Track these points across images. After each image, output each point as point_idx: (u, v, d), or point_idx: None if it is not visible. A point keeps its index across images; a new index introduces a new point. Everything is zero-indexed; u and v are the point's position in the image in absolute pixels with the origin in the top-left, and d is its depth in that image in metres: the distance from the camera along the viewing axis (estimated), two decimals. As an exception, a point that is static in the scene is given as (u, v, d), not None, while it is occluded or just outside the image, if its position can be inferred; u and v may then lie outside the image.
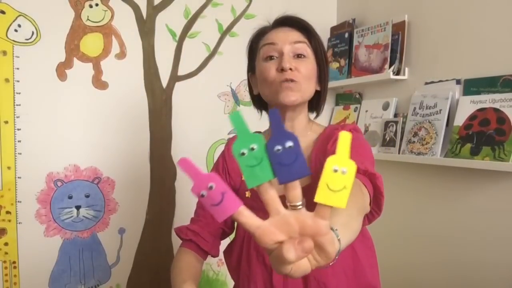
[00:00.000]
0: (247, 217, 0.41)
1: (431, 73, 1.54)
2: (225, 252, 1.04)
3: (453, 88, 1.44)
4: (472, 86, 1.38)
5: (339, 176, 0.39)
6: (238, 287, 0.99)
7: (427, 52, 1.56)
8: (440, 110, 1.45)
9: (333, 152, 0.40)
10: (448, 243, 1.48)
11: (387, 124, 1.67)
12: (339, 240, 0.47)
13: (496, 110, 1.28)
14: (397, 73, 1.65)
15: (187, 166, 0.41)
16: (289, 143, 0.39)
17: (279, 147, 0.39)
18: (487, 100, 1.31)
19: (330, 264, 0.44)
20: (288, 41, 0.87)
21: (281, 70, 0.85)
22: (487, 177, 1.32)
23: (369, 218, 0.79)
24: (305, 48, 0.89)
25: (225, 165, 0.98)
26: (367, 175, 0.76)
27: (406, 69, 1.64)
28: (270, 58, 0.88)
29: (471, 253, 1.39)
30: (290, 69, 0.85)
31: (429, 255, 1.55)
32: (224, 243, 1.05)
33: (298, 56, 0.88)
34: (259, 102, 0.99)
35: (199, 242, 0.95)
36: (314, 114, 1.00)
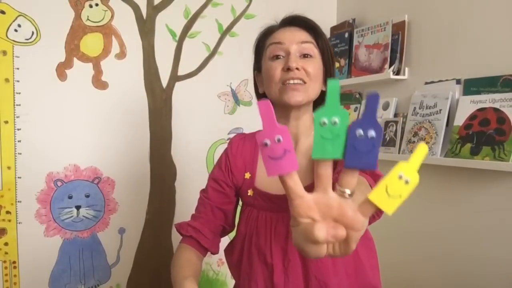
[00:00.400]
0: (295, 183, 0.41)
1: (431, 73, 1.54)
2: (226, 250, 1.04)
3: (453, 88, 1.44)
4: (472, 86, 1.38)
5: (400, 184, 0.39)
6: (238, 286, 0.98)
7: (427, 52, 1.56)
8: (440, 110, 1.45)
9: None
10: (448, 242, 1.48)
11: (387, 124, 1.67)
12: None
13: (496, 110, 1.28)
14: (397, 73, 1.65)
15: (266, 110, 0.40)
16: (372, 133, 0.38)
17: (361, 132, 0.39)
18: (487, 100, 1.31)
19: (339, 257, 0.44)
20: (295, 41, 0.87)
21: (287, 69, 0.85)
22: (487, 177, 1.32)
23: (370, 219, 0.79)
24: (312, 48, 0.88)
25: (228, 163, 0.98)
26: (373, 177, 0.76)
27: (406, 69, 1.64)
28: (277, 57, 0.88)
29: (471, 252, 1.39)
30: (297, 68, 0.84)
31: (429, 254, 1.55)
32: (224, 241, 1.05)
33: (305, 56, 0.88)
34: None
35: (199, 239, 0.95)
36: None
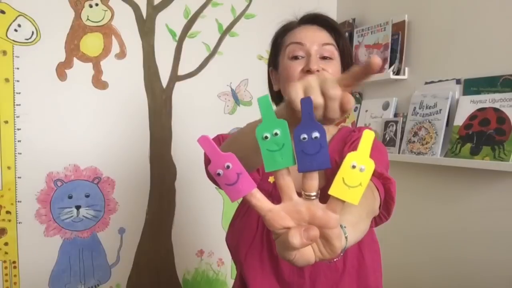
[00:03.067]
0: (259, 200, 0.42)
1: (431, 73, 1.54)
2: (230, 239, 0.97)
3: (453, 88, 1.44)
4: (472, 86, 1.38)
5: (356, 173, 0.39)
6: (242, 273, 0.94)
7: (427, 52, 1.56)
8: (440, 110, 1.45)
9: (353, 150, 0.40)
10: (448, 242, 1.48)
11: (387, 124, 1.67)
12: (346, 237, 0.47)
13: (496, 110, 1.28)
14: (397, 73, 1.65)
15: (207, 144, 0.41)
16: (316, 134, 0.40)
17: (305, 136, 0.40)
18: (487, 100, 1.31)
19: (334, 260, 0.44)
20: (317, 42, 0.86)
21: (307, 71, 0.84)
22: (487, 177, 1.32)
23: (377, 221, 0.78)
24: (333, 51, 0.87)
25: None
26: (381, 179, 0.75)
27: (406, 69, 1.64)
28: (296, 57, 0.87)
29: (471, 252, 1.39)
30: (317, 70, 0.83)
31: (428, 254, 1.55)
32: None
33: (325, 58, 0.86)
34: (279, 99, 0.97)
35: None
36: None
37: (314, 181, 0.41)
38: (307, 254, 0.42)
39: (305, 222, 0.41)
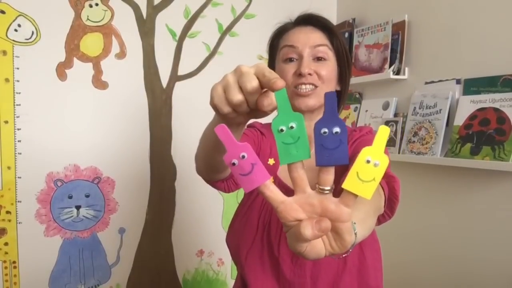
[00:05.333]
0: (272, 192, 0.42)
1: (431, 73, 1.54)
2: (231, 239, 0.98)
3: (453, 88, 1.44)
4: (472, 86, 1.38)
5: (370, 168, 0.39)
6: (244, 275, 0.94)
7: (427, 52, 1.56)
8: (440, 109, 1.45)
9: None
10: (448, 242, 1.48)
11: (387, 123, 1.67)
12: (355, 233, 0.48)
13: (496, 109, 1.28)
14: (397, 72, 1.65)
15: (224, 133, 0.41)
16: (337, 129, 0.40)
17: (326, 130, 0.40)
18: (487, 100, 1.31)
19: (343, 255, 0.44)
20: (309, 44, 0.86)
21: (299, 74, 0.84)
22: (487, 177, 1.32)
23: (380, 220, 0.78)
24: (326, 51, 0.87)
25: (259, 134, 0.93)
26: (385, 177, 0.75)
27: (406, 69, 1.64)
28: (290, 60, 0.87)
29: (471, 251, 1.39)
30: (309, 73, 0.84)
31: (429, 253, 1.55)
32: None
33: (318, 59, 0.87)
34: None
35: None
36: None
37: (330, 176, 0.42)
38: (318, 247, 0.42)
39: (317, 215, 0.42)
